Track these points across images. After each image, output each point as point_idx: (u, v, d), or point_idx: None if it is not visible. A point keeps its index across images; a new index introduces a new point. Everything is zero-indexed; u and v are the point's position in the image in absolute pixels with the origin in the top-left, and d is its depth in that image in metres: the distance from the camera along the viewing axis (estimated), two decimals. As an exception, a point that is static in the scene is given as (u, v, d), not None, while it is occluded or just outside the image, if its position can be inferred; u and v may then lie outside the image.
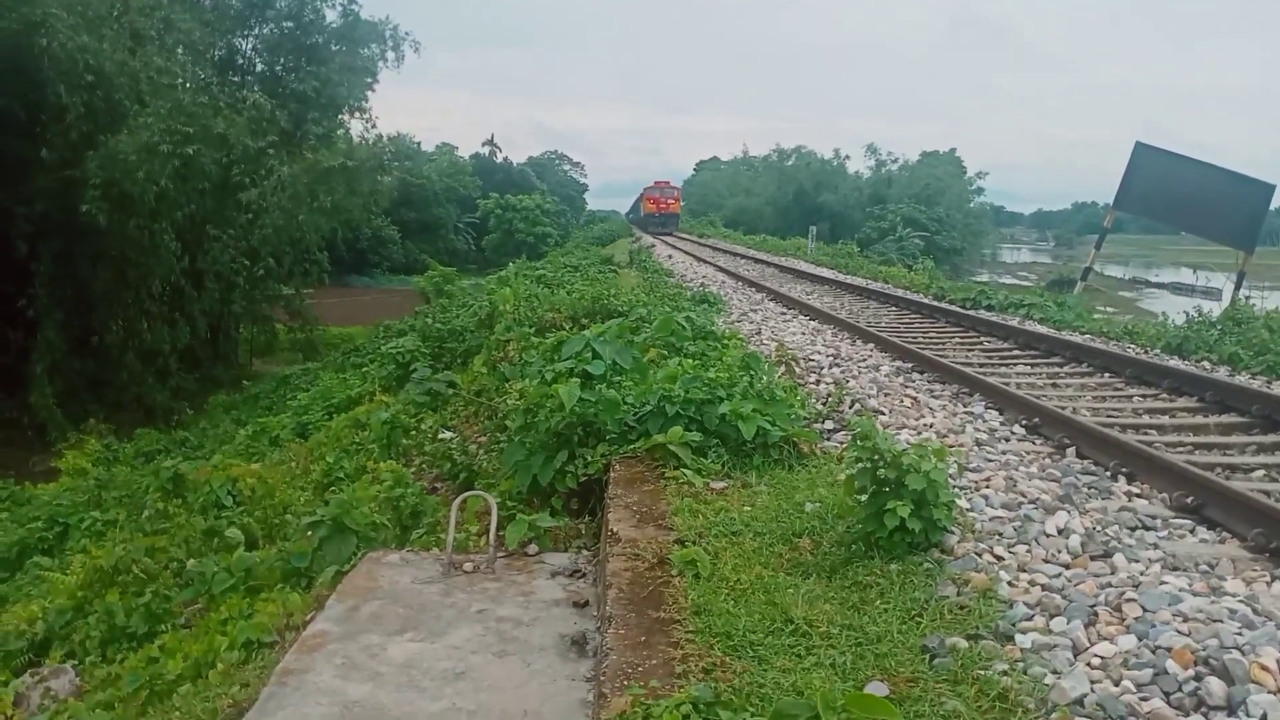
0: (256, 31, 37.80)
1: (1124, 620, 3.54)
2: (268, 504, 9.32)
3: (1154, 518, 4.87)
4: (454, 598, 4.97)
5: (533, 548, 5.68)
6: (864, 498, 4.35)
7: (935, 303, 16.01)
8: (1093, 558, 4.21)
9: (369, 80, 39.57)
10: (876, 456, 4.28)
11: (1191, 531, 4.74)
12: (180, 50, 29.35)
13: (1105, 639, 3.41)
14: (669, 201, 64.94)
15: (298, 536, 7.46)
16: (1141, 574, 4.00)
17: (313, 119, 36.52)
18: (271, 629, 5.56)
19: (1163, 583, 3.85)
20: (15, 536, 13.09)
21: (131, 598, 7.35)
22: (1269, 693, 2.98)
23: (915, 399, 7.83)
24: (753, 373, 6.92)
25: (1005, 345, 11.32)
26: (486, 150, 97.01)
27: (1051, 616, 3.60)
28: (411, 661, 4.25)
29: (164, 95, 25.18)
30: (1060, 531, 4.52)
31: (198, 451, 19.21)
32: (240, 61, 37.58)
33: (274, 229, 28.91)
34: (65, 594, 8.11)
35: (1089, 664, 3.25)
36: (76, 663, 7.01)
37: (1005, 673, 3.16)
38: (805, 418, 6.88)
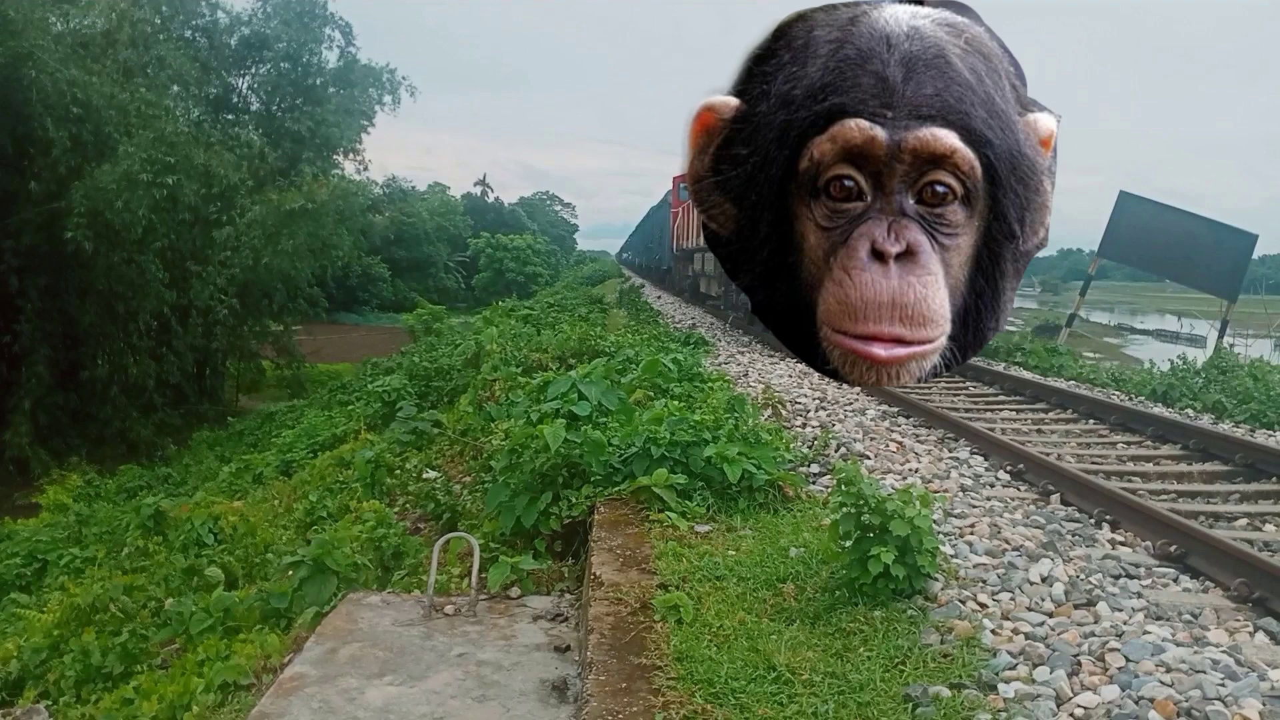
0: (254, 71, 38.11)
1: (1107, 670, 3.53)
2: (249, 543, 9.21)
3: (1137, 566, 4.86)
4: (434, 641, 4.92)
5: (515, 590, 5.63)
6: (848, 543, 4.33)
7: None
8: (1076, 606, 4.20)
9: (364, 123, 39.94)
10: (861, 502, 4.27)
11: (1175, 580, 4.74)
12: (175, 88, 29.48)
13: (1088, 689, 3.39)
14: None
15: (278, 576, 7.38)
16: (1125, 623, 3.99)
17: (307, 159, 36.67)
18: (248, 671, 5.48)
19: (1146, 632, 3.84)
20: (-7, 572, 12.94)
21: (108, 637, 7.23)
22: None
23: (901, 444, 7.83)
24: (738, 415, 6.92)
25: (990, 390, 11.35)
26: (478, 190, 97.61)
27: (1035, 666, 3.58)
28: (389, 706, 4.19)
29: (150, 127, 25.22)
30: (1044, 579, 4.51)
31: (180, 488, 19.01)
32: (235, 100, 37.80)
33: (241, 269, 28.73)
34: (41, 632, 7.99)
35: (1072, 714, 3.24)
36: (50, 703, 6.89)
37: (988, 723, 3.14)
38: (791, 461, 6.86)
